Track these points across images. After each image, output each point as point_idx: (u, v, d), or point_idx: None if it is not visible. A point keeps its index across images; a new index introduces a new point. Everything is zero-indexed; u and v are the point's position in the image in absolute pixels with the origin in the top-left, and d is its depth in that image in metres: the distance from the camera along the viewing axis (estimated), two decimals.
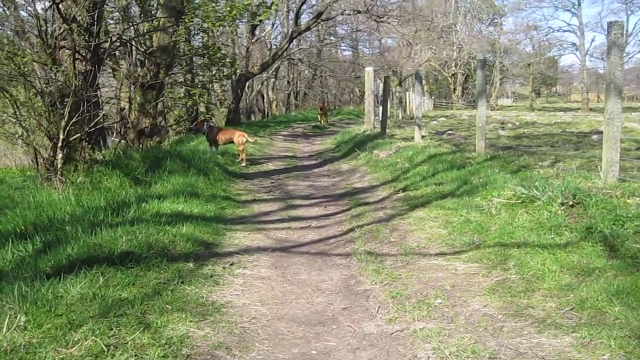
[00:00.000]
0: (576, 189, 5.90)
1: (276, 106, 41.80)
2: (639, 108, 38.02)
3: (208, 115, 24.03)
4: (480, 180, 7.48)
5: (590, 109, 46.34)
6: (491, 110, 38.75)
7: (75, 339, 3.35)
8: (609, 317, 3.61)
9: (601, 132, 13.64)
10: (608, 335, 3.39)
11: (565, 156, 10.32)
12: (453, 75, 53.55)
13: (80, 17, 8.47)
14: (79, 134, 8.12)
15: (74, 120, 7.88)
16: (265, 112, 39.24)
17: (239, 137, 12.79)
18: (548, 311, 3.89)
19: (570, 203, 5.64)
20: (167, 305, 4.03)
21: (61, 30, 8.35)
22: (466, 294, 4.34)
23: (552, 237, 5.10)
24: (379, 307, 4.27)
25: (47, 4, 8.40)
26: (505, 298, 4.18)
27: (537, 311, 3.91)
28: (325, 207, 8.23)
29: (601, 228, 4.94)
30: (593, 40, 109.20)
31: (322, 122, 29.37)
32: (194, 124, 15.54)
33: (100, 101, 11.26)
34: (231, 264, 5.31)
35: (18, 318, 3.48)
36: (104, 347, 3.27)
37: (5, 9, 9.66)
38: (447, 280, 4.65)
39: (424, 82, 18.60)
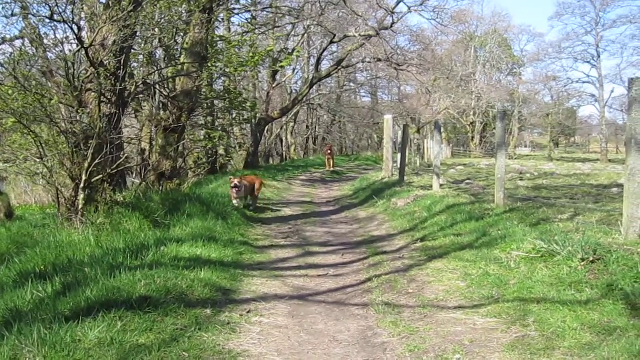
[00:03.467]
0: (597, 244, 5.85)
1: (294, 150, 42.07)
2: None
3: (227, 158, 24.22)
4: (499, 232, 7.45)
5: (610, 160, 46.14)
6: (509, 159, 38.64)
7: None
8: None
9: (621, 185, 13.56)
10: None
11: (585, 209, 10.25)
12: (471, 123, 53.84)
13: (107, 62, 8.67)
14: (101, 176, 8.21)
15: (96, 162, 7.99)
16: (284, 156, 39.51)
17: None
18: None
19: (591, 259, 5.58)
20: (184, 353, 4.02)
21: (88, 74, 8.54)
22: (485, 350, 4.29)
23: (573, 294, 5.05)
24: None
25: (75, 47, 8.59)
26: (524, 355, 4.12)
27: None
28: (342, 255, 8.21)
29: (622, 286, 4.89)
30: (612, 92, 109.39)
31: (328, 167, 27.95)
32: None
33: (122, 143, 11.42)
34: (248, 312, 5.30)
35: None
36: None
37: (34, 49, 9.88)
38: (466, 335, 4.60)
39: (442, 130, 18.66)
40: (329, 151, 28.96)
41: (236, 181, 11.87)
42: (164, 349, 4.00)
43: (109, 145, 8.27)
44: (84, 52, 8.25)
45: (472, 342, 4.47)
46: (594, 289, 5.06)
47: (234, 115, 23.20)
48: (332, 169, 27.81)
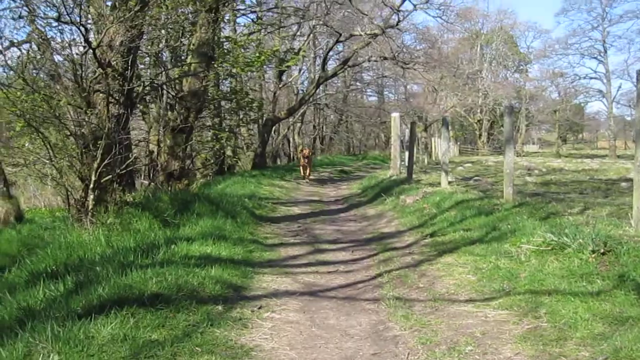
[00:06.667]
0: (607, 236, 5.83)
1: (302, 150, 42.02)
2: None
3: (235, 159, 24.17)
4: (509, 226, 7.43)
5: (618, 156, 45.90)
6: (517, 156, 38.48)
7: None
8: None
9: (630, 180, 13.52)
10: None
11: (595, 203, 10.22)
12: (479, 121, 53.71)
13: (114, 62, 8.70)
14: (110, 176, 8.23)
15: (105, 162, 8.01)
16: (291, 156, 39.48)
17: None
18: None
19: (602, 251, 5.57)
20: (197, 348, 4.03)
21: (96, 75, 8.57)
22: (497, 342, 4.29)
23: (584, 285, 5.04)
24: (408, 354, 4.23)
25: (82, 48, 8.61)
26: (537, 346, 4.12)
27: None
28: (352, 251, 8.21)
29: (634, 276, 4.88)
30: (620, 87, 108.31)
31: (304, 174, 21.79)
32: None
33: (131, 144, 11.45)
34: (260, 308, 5.31)
35: (51, 357, 3.51)
36: None
37: (42, 53, 9.91)
38: (477, 327, 4.60)
39: (449, 127, 18.63)
40: (305, 157, 22.10)
41: None
42: (176, 344, 4.01)
43: (117, 145, 8.30)
44: (91, 53, 8.28)
45: (483, 334, 4.47)
46: (605, 280, 5.05)
47: (241, 116, 23.24)
48: (308, 177, 21.80)
